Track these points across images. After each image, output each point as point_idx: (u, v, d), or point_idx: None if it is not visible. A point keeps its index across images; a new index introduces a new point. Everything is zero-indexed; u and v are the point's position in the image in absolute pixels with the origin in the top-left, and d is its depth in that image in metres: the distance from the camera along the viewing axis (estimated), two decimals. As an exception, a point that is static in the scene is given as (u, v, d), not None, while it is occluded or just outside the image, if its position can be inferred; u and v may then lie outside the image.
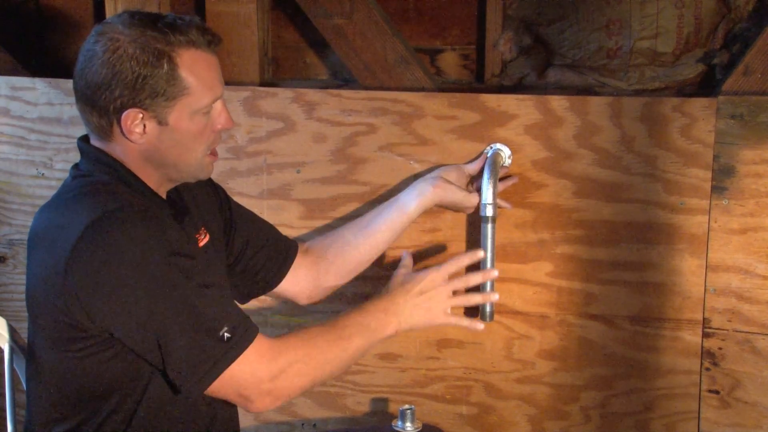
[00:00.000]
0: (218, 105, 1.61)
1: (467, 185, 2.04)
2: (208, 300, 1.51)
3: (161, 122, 1.55)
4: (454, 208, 2.06)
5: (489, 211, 1.96)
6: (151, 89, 1.52)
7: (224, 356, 1.49)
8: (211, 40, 1.57)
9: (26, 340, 1.64)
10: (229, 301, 1.57)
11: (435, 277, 1.72)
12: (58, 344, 1.53)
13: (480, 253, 1.81)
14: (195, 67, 1.54)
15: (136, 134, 1.55)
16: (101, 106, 1.54)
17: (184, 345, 1.48)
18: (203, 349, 1.48)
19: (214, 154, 1.66)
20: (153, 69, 1.51)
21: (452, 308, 1.74)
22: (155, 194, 1.62)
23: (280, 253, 1.93)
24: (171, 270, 1.48)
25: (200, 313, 1.49)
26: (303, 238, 2.10)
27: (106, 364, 1.52)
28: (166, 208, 1.63)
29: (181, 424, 1.62)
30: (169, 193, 1.68)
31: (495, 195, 1.96)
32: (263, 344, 1.54)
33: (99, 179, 1.56)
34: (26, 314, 1.60)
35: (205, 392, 1.52)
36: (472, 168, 2.05)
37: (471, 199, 1.98)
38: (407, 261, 1.86)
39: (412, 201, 1.93)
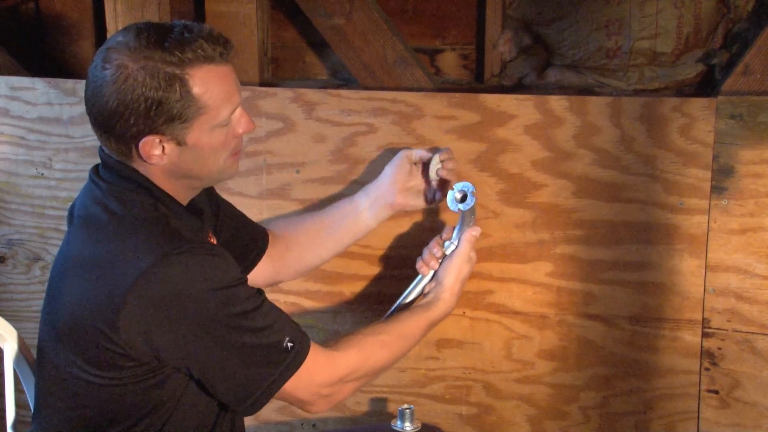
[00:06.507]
0: (237, 112, 1.55)
1: (420, 172, 1.89)
2: (268, 317, 1.51)
3: (180, 143, 1.51)
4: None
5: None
6: (167, 115, 1.46)
7: (287, 368, 1.51)
8: (223, 51, 1.50)
9: (37, 346, 1.62)
10: (280, 311, 1.57)
11: (462, 263, 1.73)
12: (97, 368, 1.50)
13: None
14: (209, 84, 1.48)
15: (156, 157, 1.51)
16: (117, 133, 1.49)
17: (250, 365, 1.49)
18: (268, 364, 1.50)
19: (236, 154, 1.61)
20: (166, 94, 1.45)
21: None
22: (184, 208, 1.60)
23: (251, 248, 1.91)
24: (231, 301, 1.48)
25: (263, 331, 1.50)
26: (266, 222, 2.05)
27: (141, 393, 1.51)
28: (194, 219, 1.61)
29: None
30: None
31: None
32: (319, 355, 1.55)
33: (141, 201, 1.53)
34: (26, 314, 1.59)
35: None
36: (417, 155, 1.88)
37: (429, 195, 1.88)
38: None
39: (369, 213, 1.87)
